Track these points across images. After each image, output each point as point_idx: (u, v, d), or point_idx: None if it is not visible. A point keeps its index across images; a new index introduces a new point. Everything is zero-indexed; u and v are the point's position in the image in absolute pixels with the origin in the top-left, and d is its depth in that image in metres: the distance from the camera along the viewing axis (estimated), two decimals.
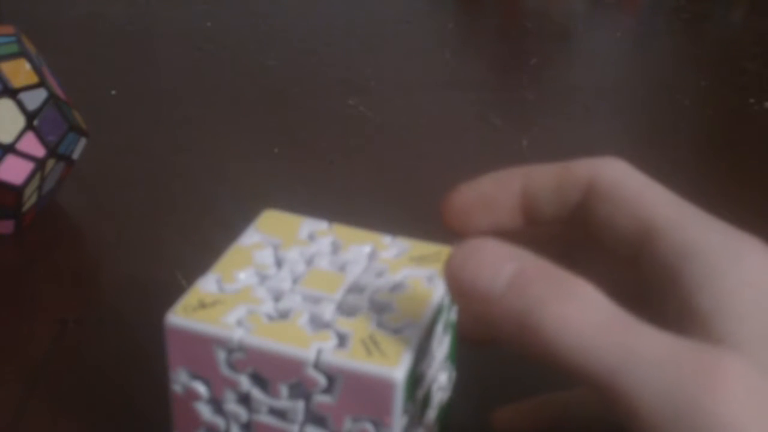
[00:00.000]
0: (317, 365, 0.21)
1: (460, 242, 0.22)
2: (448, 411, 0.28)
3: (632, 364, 0.19)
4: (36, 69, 0.37)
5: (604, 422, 0.27)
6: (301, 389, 0.22)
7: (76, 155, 0.39)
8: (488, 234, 0.23)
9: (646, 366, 0.19)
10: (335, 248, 0.26)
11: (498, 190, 0.26)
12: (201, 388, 0.23)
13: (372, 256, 0.26)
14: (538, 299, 0.20)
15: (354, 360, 0.21)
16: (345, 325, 0.22)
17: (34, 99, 0.36)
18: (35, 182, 0.36)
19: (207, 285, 0.24)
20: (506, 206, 0.25)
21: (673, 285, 0.21)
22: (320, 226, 0.27)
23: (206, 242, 0.32)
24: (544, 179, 0.25)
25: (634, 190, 0.23)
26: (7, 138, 0.35)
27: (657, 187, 0.23)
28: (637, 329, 0.20)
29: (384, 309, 0.23)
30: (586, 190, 0.24)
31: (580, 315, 0.20)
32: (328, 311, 0.23)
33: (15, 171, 0.35)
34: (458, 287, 0.21)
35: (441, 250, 0.26)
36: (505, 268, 0.21)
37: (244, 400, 0.23)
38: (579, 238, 0.25)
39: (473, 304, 0.21)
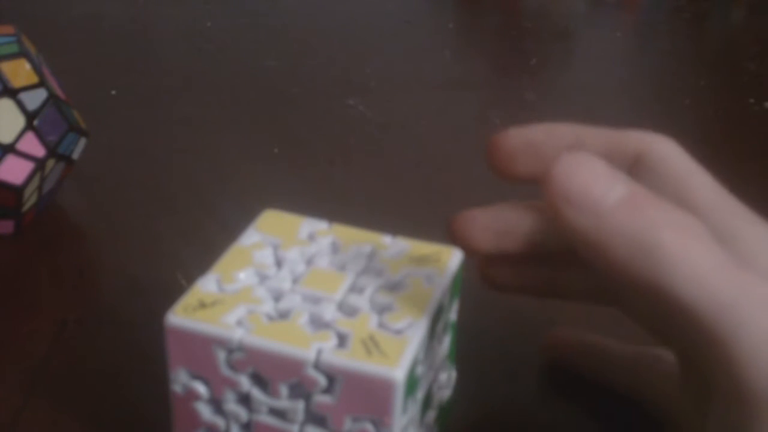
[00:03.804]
0: (317, 365, 0.21)
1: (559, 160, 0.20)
2: (448, 411, 0.28)
3: (742, 305, 0.18)
4: (36, 69, 0.37)
5: (631, 384, 0.27)
6: (301, 389, 0.22)
7: (76, 155, 0.39)
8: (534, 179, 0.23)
9: (757, 308, 0.18)
10: (335, 248, 0.26)
11: (548, 140, 0.25)
12: (201, 388, 0.23)
13: (372, 256, 0.26)
14: (657, 222, 0.19)
15: (354, 360, 0.21)
16: (345, 325, 0.22)
17: (34, 99, 0.36)
18: (35, 182, 0.36)
19: (207, 285, 0.24)
20: (552, 158, 0.25)
21: None
22: (320, 226, 0.27)
23: (206, 242, 0.32)
24: (596, 141, 0.25)
25: (681, 171, 0.23)
26: (7, 138, 0.35)
27: (703, 173, 0.24)
28: (749, 273, 0.19)
29: (384, 309, 0.23)
30: (634, 161, 0.24)
31: (697, 247, 0.19)
32: (328, 311, 0.23)
33: (15, 171, 0.35)
34: (566, 195, 0.20)
35: (441, 250, 0.26)
36: (618, 185, 0.20)
37: (244, 400, 0.23)
38: None
39: (580, 216, 0.20)
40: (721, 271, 0.19)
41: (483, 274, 0.27)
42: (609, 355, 0.29)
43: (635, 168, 0.24)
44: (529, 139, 0.26)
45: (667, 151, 0.24)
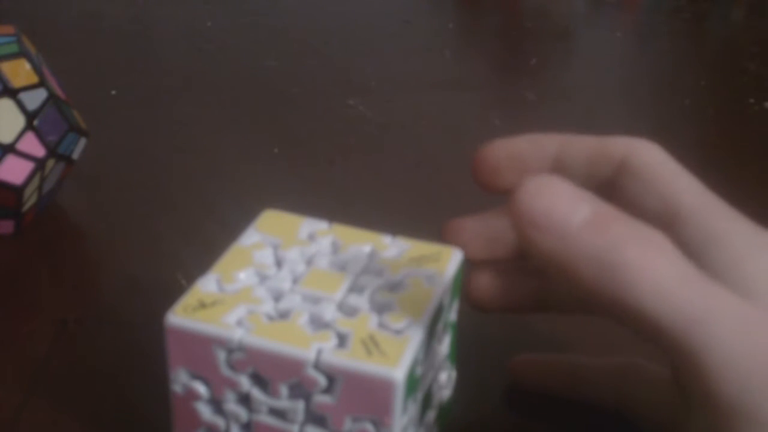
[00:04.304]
0: (317, 365, 0.21)
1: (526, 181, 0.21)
2: (448, 411, 0.28)
3: (709, 318, 0.19)
4: (36, 69, 0.37)
5: (613, 397, 0.27)
6: (301, 389, 0.22)
7: (76, 155, 0.39)
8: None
9: (723, 321, 0.19)
10: (335, 248, 0.26)
11: (532, 151, 0.25)
12: (201, 388, 0.23)
13: (372, 256, 0.26)
14: (620, 240, 0.19)
15: (354, 360, 0.21)
16: (345, 325, 0.22)
17: (34, 99, 0.36)
18: (35, 182, 0.36)
19: (207, 285, 0.24)
20: (537, 169, 0.25)
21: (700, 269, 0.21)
22: (320, 226, 0.27)
23: (206, 242, 0.32)
24: (580, 149, 0.25)
25: (665, 174, 0.23)
26: (7, 138, 0.35)
27: (687, 175, 0.24)
28: (714, 285, 0.19)
29: (384, 309, 0.23)
30: (618, 167, 0.24)
31: (661, 261, 0.19)
32: (328, 311, 0.23)
33: (15, 171, 0.35)
34: (530, 218, 0.20)
35: (441, 250, 0.26)
36: (582, 205, 0.20)
37: (244, 400, 0.23)
38: None
39: (544, 238, 0.20)
40: (687, 285, 0.19)
41: (471, 296, 0.27)
42: (585, 373, 0.29)
43: (620, 174, 0.24)
44: (513, 152, 0.26)
45: (650, 156, 0.24)
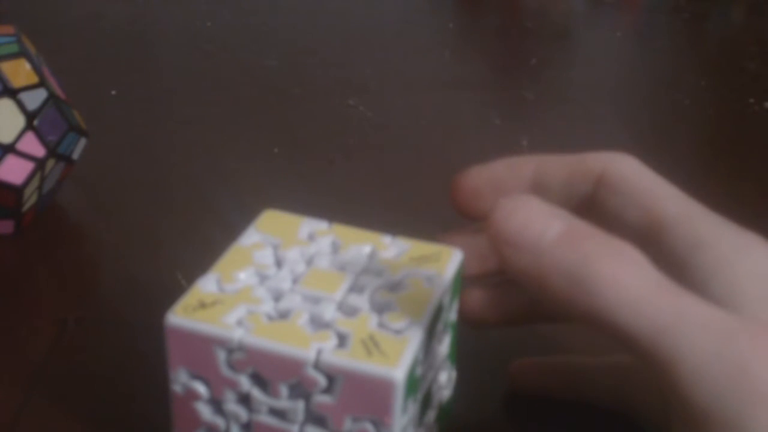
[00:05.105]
0: (317, 365, 0.21)
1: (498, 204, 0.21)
2: (448, 411, 0.28)
3: (680, 327, 0.19)
4: (36, 69, 0.37)
5: (613, 397, 0.27)
6: (301, 389, 0.22)
7: (76, 155, 0.39)
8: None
9: (694, 329, 0.19)
10: (335, 248, 0.26)
11: (509, 175, 0.26)
12: (201, 388, 0.23)
13: (372, 256, 0.26)
14: (592, 254, 0.20)
15: (354, 360, 0.21)
16: (345, 325, 0.22)
17: (34, 99, 0.36)
18: (35, 182, 0.36)
19: (207, 285, 0.24)
20: (516, 192, 0.25)
21: (684, 275, 0.21)
22: (320, 226, 0.27)
23: (206, 242, 0.32)
24: (557, 169, 0.25)
25: (644, 185, 0.24)
26: (7, 138, 0.35)
27: (665, 184, 0.24)
28: (685, 295, 0.20)
29: (384, 309, 0.23)
30: (596, 183, 0.25)
31: (632, 274, 0.20)
32: (328, 311, 0.23)
33: (15, 171, 0.35)
34: (505, 236, 0.21)
35: (441, 250, 0.26)
36: (555, 222, 0.21)
37: (244, 400, 0.23)
38: None
39: (519, 255, 0.20)
40: (658, 295, 0.19)
41: (464, 312, 0.27)
42: (585, 374, 0.29)
43: (599, 189, 0.25)
44: (491, 176, 0.26)
45: (626, 169, 0.24)
